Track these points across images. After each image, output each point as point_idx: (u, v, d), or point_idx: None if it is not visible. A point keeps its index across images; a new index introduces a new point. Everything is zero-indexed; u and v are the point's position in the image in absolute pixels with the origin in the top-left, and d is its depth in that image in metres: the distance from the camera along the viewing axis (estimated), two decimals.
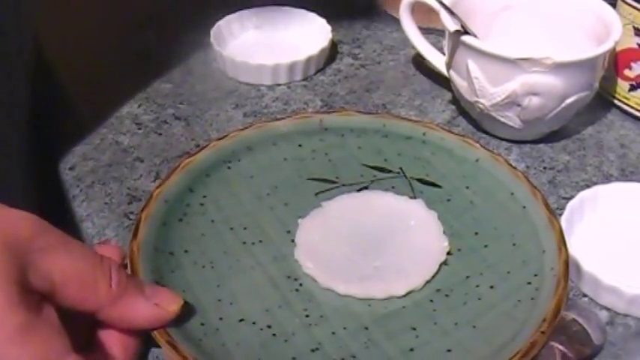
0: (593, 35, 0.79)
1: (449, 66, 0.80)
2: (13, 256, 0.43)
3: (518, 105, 0.75)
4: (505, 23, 0.85)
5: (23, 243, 0.45)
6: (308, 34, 1.00)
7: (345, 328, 0.55)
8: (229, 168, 0.67)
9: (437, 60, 0.85)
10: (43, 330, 0.44)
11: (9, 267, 0.43)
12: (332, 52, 0.97)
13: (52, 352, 0.44)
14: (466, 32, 0.75)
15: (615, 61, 0.84)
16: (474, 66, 0.74)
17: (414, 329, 0.55)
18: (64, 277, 0.46)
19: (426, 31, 0.88)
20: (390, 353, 0.54)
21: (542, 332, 0.52)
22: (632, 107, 0.85)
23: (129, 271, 0.57)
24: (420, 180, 0.67)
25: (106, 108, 0.81)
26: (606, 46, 0.75)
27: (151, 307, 0.51)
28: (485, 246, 0.62)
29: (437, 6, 0.80)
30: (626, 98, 0.85)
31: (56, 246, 0.47)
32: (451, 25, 0.77)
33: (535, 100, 0.74)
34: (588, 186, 0.74)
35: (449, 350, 0.54)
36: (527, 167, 0.77)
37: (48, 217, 0.75)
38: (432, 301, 0.58)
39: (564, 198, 0.73)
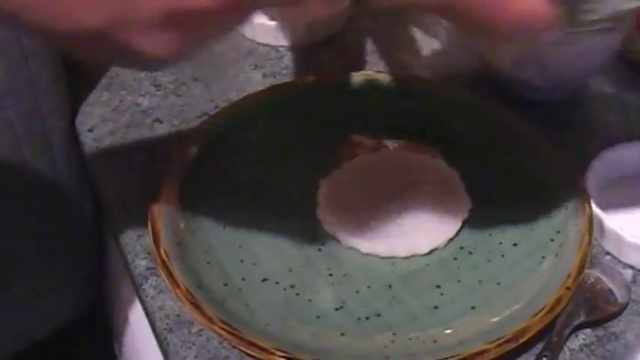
0: None
1: None
2: None
3: (541, 63, 0.74)
4: None
5: None
6: None
7: (368, 287, 0.56)
8: (250, 129, 0.66)
9: None
10: None
11: None
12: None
13: None
14: None
15: (638, 21, 0.83)
16: None
17: (438, 287, 0.55)
18: None
19: None
20: (415, 311, 0.54)
21: (567, 288, 0.52)
22: None
23: (150, 233, 0.57)
24: (439, 138, 0.67)
25: (124, 70, 0.80)
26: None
27: None
28: (508, 203, 0.61)
29: None
30: None
31: None
32: None
33: (557, 59, 0.73)
34: (611, 145, 0.73)
35: (473, 307, 0.54)
36: (549, 127, 0.76)
37: (67, 179, 0.76)
38: (455, 258, 0.58)
39: (586, 157, 0.72)
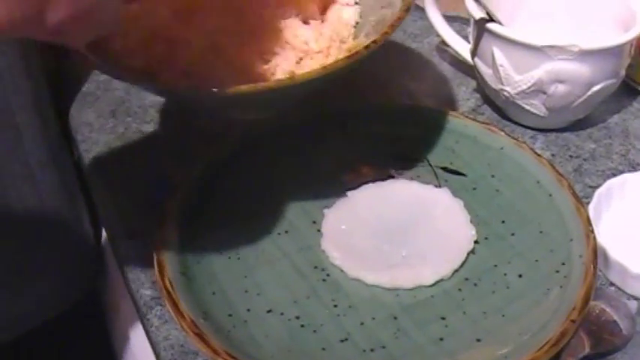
0: (620, 22, 0.78)
1: (474, 53, 0.80)
2: None
3: (544, 93, 0.74)
4: (530, 10, 0.84)
5: None
6: None
7: (373, 319, 0.55)
8: (253, 159, 0.66)
9: (461, 48, 0.84)
10: None
11: None
12: None
13: None
14: (491, 19, 0.75)
15: None
16: (499, 53, 0.74)
17: (444, 318, 0.55)
18: None
19: (450, 19, 0.87)
20: (420, 342, 0.54)
21: (572, 321, 0.52)
22: None
23: (155, 262, 0.57)
24: (444, 168, 0.67)
25: (130, 97, 0.81)
26: (633, 33, 0.74)
27: None
28: (513, 234, 0.61)
29: None
30: None
31: None
32: (476, 12, 0.76)
33: (561, 88, 0.73)
34: (614, 174, 0.73)
35: (478, 340, 0.54)
36: (553, 155, 0.77)
37: (62, 201, 0.76)
38: (460, 290, 0.58)
39: (590, 186, 0.72)
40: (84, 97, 0.82)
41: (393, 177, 0.67)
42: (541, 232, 0.61)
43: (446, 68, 0.90)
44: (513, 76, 0.74)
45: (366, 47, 0.60)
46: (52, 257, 0.77)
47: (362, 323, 0.55)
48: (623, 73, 0.77)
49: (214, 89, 0.55)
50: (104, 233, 0.80)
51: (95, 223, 0.81)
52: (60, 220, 0.76)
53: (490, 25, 0.74)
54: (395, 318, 0.56)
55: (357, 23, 0.72)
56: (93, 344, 0.83)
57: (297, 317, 0.55)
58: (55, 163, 0.74)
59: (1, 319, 0.75)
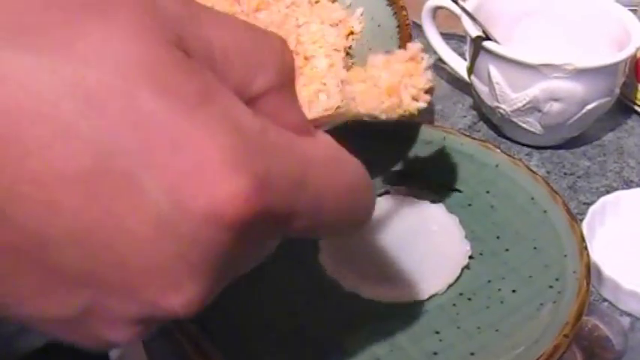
0: (615, 41, 0.79)
1: (470, 71, 0.80)
2: (165, 18, 0.30)
3: (539, 110, 0.75)
4: (526, 29, 0.85)
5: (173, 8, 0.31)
6: None
7: (369, 332, 0.56)
8: None
9: (458, 65, 0.85)
10: (224, 97, 0.30)
11: (163, 29, 0.29)
12: None
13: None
14: (487, 38, 0.76)
15: (636, 67, 0.84)
16: (495, 71, 0.75)
17: (438, 333, 0.56)
18: (225, 46, 0.32)
19: (447, 37, 0.88)
20: (414, 357, 0.54)
21: (565, 336, 0.52)
22: None
23: None
24: (440, 184, 0.68)
25: None
26: (627, 52, 0.75)
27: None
28: (507, 250, 0.62)
29: (459, 12, 0.80)
30: None
31: (210, 14, 0.32)
32: (473, 30, 0.77)
33: (556, 106, 0.74)
34: (609, 192, 0.74)
35: (472, 354, 0.54)
36: (548, 172, 0.77)
37: None
38: (454, 304, 0.58)
39: (585, 203, 0.73)
40: None
41: (388, 192, 0.67)
42: (535, 247, 0.61)
43: (442, 85, 0.91)
44: (509, 93, 0.75)
45: None
46: None
47: (357, 337, 0.56)
48: (617, 91, 0.77)
49: None
50: None
51: None
52: None
53: (486, 44, 0.75)
54: (390, 332, 0.56)
55: None
56: None
57: (294, 331, 0.56)
58: None
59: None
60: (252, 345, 0.54)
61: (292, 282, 0.59)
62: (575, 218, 0.62)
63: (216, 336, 0.54)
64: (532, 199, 0.65)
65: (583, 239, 0.60)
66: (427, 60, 0.58)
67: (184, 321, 0.53)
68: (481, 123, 0.84)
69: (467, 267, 0.61)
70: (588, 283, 0.56)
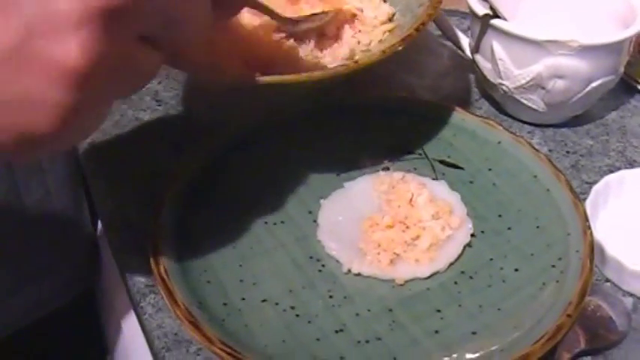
0: (620, 19, 0.78)
1: (473, 48, 0.79)
2: None
3: (543, 88, 0.74)
4: (531, 6, 0.84)
5: None
6: None
7: (369, 310, 0.55)
8: (250, 149, 0.66)
9: (460, 42, 0.84)
10: None
11: None
12: None
13: None
14: (495, 15, 0.75)
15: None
16: (498, 48, 0.74)
17: (439, 311, 0.55)
18: None
19: (449, 13, 0.87)
20: (415, 335, 0.53)
21: (569, 315, 0.52)
22: None
23: (150, 250, 0.56)
24: (442, 161, 0.67)
25: None
26: (633, 30, 0.74)
27: None
28: (509, 228, 0.61)
29: None
30: None
31: None
32: (479, 8, 0.76)
33: (560, 83, 0.73)
34: (612, 171, 0.73)
35: (474, 332, 0.53)
36: (550, 151, 0.76)
37: (68, 193, 0.76)
38: (456, 283, 0.57)
39: (587, 182, 0.72)
40: None
41: (388, 169, 0.66)
42: (538, 226, 0.61)
43: (444, 62, 0.90)
44: (512, 70, 0.74)
45: (417, 29, 0.63)
46: (55, 252, 0.77)
47: (357, 314, 0.55)
48: (622, 69, 0.76)
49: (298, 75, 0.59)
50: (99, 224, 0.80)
51: (91, 212, 0.81)
52: (65, 214, 0.76)
53: (493, 21, 0.74)
54: (390, 310, 0.55)
55: None
56: (86, 333, 0.82)
57: (292, 307, 0.55)
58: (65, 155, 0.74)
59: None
60: (248, 321, 0.54)
61: (290, 258, 0.59)
62: (579, 197, 0.61)
63: (213, 312, 0.53)
64: (535, 177, 0.64)
65: (586, 218, 0.59)
66: None
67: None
68: (483, 100, 0.83)
69: (469, 245, 0.60)
70: (592, 263, 0.56)
